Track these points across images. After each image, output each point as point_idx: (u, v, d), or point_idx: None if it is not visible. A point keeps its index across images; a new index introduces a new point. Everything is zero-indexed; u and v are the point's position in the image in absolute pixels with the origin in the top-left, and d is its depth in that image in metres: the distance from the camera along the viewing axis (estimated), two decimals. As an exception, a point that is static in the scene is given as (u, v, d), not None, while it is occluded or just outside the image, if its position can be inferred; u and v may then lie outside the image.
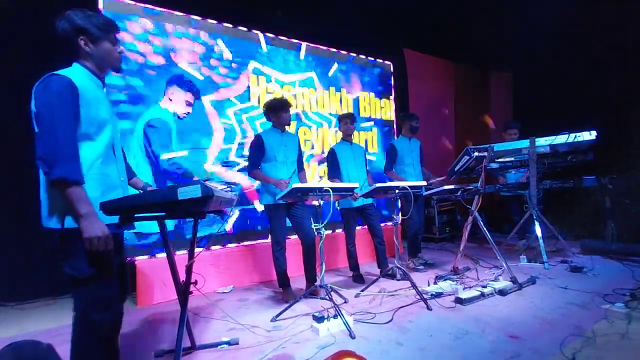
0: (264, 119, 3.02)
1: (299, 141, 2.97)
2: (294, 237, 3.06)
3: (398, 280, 3.00)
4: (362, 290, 2.80)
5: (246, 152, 3.49)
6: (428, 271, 3.42)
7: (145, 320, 2.49)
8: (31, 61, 2.80)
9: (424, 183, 2.96)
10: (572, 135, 3.14)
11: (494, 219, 5.16)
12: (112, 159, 1.40)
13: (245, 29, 3.71)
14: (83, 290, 1.28)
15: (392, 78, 5.03)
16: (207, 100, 3.42)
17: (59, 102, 1.21)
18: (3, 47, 2.84)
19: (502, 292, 2.54)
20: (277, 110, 2.78)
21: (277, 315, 2.32)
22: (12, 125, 2.63)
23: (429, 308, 2.35)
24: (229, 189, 1.75)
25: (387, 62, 4.97)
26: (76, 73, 1.32)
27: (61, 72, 1.28)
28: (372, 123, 4.75)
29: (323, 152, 4.14)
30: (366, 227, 3.32)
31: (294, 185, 2.16)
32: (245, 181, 3.58)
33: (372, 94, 4.76)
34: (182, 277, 1.71)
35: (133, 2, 3.04)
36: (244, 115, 3.66)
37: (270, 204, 2.73)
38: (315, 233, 2.44)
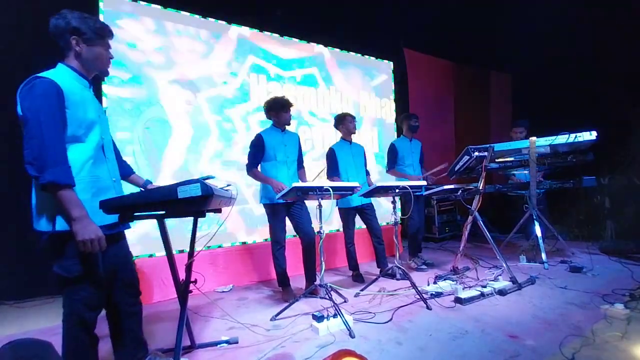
0: (262, 117, 3.00)
1: (299, 140, 2.96)
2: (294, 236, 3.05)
3: (398, 279, 3.00)
4: (362, 290, 2.80)
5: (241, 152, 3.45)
6: (428, 271, 3.42)
7: (144, 319, 2.46)
8: (24, 61, 2.79)
9: (424, 183, 2.96)
10: (573, 135, 3.13)
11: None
12: (102, 160, 1.39)
13: (245, 27, 3.70)
14: (72, 290, 1.29)
15: (393, 78, 5.02)
16: (205, 99, 3.41)
17: (44, 106, 1.20)
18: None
19: (501, 292, 2.55)
20: (277, 109, 2.77)
21: (277, 315, 2.32)
22: (10, 125, 2.62)
23: (428, 308, 2.35)
24: (228, 187, 1.74)
25: (387, 61, 4.96)
26: (61, 74, 1.31)
27: (45, 74, 1.27)
28: (374, 122, 4.74)
29: (323, 153, 4.13)
30: (365, 227, 3.31)
31: (294, 185, 2.16)
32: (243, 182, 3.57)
33: (373, 94, 4.76)
34: (182, 276, 1.71)
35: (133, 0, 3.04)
36: (238, 112, 3.66)
37: (269, 204, 2.73)
38: (315, 232, 2.44)
